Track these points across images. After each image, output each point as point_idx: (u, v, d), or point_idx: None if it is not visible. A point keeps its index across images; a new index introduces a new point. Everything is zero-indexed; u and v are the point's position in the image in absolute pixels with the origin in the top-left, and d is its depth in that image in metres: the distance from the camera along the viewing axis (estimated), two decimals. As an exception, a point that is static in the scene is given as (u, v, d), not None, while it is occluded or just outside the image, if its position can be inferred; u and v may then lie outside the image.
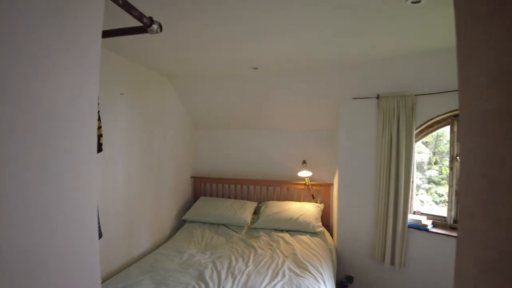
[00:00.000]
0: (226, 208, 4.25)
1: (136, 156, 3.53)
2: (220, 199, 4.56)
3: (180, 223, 4.47)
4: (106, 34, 1.58)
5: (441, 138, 4.01)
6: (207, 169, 5.02)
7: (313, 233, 3.83)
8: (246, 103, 4.27)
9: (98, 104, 2.10)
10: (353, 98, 3.65)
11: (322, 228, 3.88)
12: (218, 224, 4.19)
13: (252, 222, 4.16)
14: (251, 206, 4.31)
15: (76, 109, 0.95)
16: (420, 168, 4.07)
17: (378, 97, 3.47)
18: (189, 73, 3.85)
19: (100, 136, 2.02)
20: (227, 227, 4.12)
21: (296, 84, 3.79)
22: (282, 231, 3.94)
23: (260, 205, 4.42)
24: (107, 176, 3.10)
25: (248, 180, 4.63)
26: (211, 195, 4.85)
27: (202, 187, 4.90)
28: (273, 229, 3.97)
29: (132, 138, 3.45)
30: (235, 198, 4.69)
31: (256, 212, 4.44)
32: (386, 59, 3.10)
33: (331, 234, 4.17)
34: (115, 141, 3.19)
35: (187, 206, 4.70)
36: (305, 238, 3.74)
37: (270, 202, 4.32)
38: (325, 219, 4.27)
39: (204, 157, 5.05)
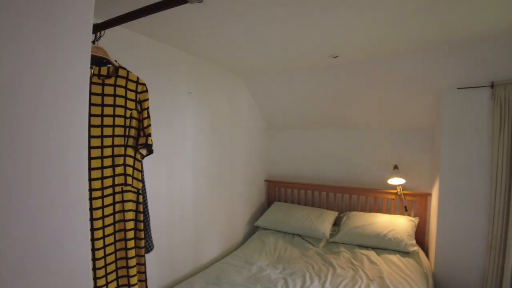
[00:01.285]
0: (302, 217, 3.80)
1: (205, 157, 3.31)
2: (296, 206, 4.13)
3: (252, 229, 4.14)
4: (140, 12, 1.47)
5: None
6: (282, 173, 4.62)
7: (405, 253, 3.20)
8: (325, 98, 3.78)
9: (147, 99, 1.85)
10: (459, 88, 2.95)
11: (417, 248, 3.22)
12: (293, 234, 3.77)
13: (331, 235, 3.65)
14: (330, 216, 3.80)
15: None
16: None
17: (492, 86, 2.75)
18: (261, 68, 3.52)
19: (148, 136, 1.73)
20: (303, 238, 3.67)
21: (385, 73, 3.20)
22: (366, 247, 3.36)
23: (341, 215, 3.89)
24: (175, 178, 2.91)
25: (328, 186, 4.12)
26: (285, 201, 4.44)
27: (277, 191, 4.52)
28: (356, 245, 3.42)
29: (201, 139, 3.24)
30: (312, 205, 4.22)
31: (336, 224, 3.91)
32: (510, 31, 2.39)
33: (427, 255, 3.47)
34: (183, 142, 3.00)
35: (260, 211, 4.36)
36: (395, 258, 3.12)
37: (354, 213, 3.76)
38: (420, 236, 3.58)
39: (279, 160, 4.66)
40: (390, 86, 3.31)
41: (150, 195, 2.56)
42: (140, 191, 1.75)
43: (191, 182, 3.11)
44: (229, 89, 3.68)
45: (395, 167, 3.67)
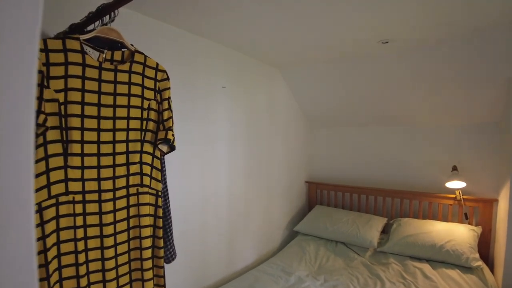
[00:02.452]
0: (346, 223, 3.47)
1: (241, 156, 3.11)
2: (340, 210, 3.80)
3: (291, 234, 3.86)
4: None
5: None
6: (324, 174, 4.30)
7: (466, 268, 2.78)
8: (372, 91, 3.41)
9: (169, 88, 1.64)
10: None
11: (480, 262, 2.78)
12: (336, 242, 3.44)
13: (379, 244, 3.29)
14: (379, 223, 3.43)
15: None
16: None
17: None
18: (301, 60, 3.23)
19: (168, 129, 1.52)
20: (347, 247, 3.34)
21: (443, 60, 2.79)
22: (420, 260, 2.97)
23: (390, 222, 3.50)
24: (208, 178, 2.74)
25: (376, 189, 3.75)
26: (328, 205, 4.12)
27: (318, 194, 4.20)
28: (408, 256, 3.04)
29: (236, 136, 3.03)
30: (358, 210, 3.86)
31: (385, 231, 3.54)
32: None
33: (492, 271, 3.01)
34: (216, 140, 2.81)
35: (300, 215, 4.07)
36: (454, 274, 2.72)
37: (405, 220, 3.37)
38: (483, 248, 3.13)
39: (321, 160, 4.34)
40: (447, 74, 2.90)
41: (181, 197, 2.41)
42: (160, 193, 1.54)
43: (226, 182, 2.91)
44: (266, 83, 3.43)
45: (454, 168, 3.23)
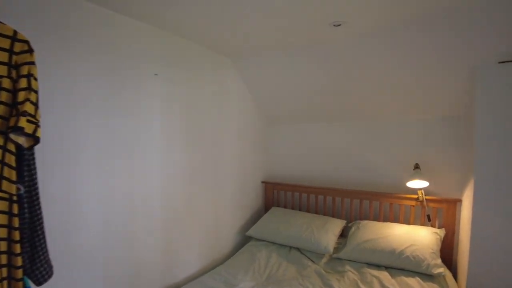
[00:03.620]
0: (301, 226, 3.15)
1: (181, 154, 2.75)
2: (297, 212, 3.48)
3: (245, 240, 3.51)
4: None
5: None
6: (283, 173, 3.97)
7: (427, 276, 2.51)
8: (329, 83, 3.11)
9: (31, 63, 1.17)
10: (500, 62, 2.25)
11: (443, 269, 2.51)
12: (290, 247, 3.12)
13: (336, 249, 2.99)
14: (336, 226, 3.14)
15: None
16: None
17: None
18: (252, 47, 2.90)
19: (21, 115, 1.14)
20: (302, 253, 3.03)
21: (402, 46, 2.52)
22: (379, 267, 2.68)
23: (349, 225, 3.21)
24: (137, 179, 2.37)
25: (334, 189, 3.45)
26: (285, 206, 3.79)
27: (275, 195, 3.87)
28: (365, 263, 2.75)
29: (173, 132, 2.66)
30: (316, 212, 3.55)
31: (344, 235, 3.24)
32: None
33: (455, 277, 2.76)
34: (146, 135, 2.45)
35: (256, 218, 3.73)
36: (414, 282, 2.44)
37: (364, 223, 3.08)
38: (446, 252, 2.88)
39: (280, 158, 4.01)
40: (407, 62, 2.63)
41: (101, 201, 2.05)
42: (15, 198, 1.15)
43: (161, 184, 2.54)
44: (214, 73, 3.07)
45: (416, 166, 2.97)
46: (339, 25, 2.35)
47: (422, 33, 2.35)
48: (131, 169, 2.29)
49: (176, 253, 2.69)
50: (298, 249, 3.08)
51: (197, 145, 2.89)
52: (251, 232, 3.33)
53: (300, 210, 3.66)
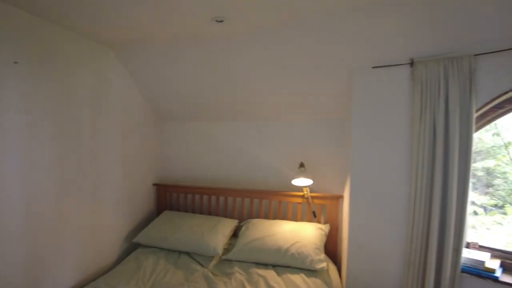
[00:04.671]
0: (191, 229, 3.03)
1: (50, 154, 2.43)
2: (189, 215, 3.35)
3: (132, 247, 3.26)
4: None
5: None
6: (177, 175, 3.81)
7: (311, 271, 2.58)
8: (217, 79, 3.04)
9: None
10: (374, 67, 2.40)
11: (325, 264, 2.61)
12: (179, 252, 2.98)
13: (226, 251, 2.93)
14: (227, 226, 3.08)
15: None
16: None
17: (412, 63, 2.22)
18: (136, 39, 2.69)
19: None
20: (191, 257, 2.91)
21: (287, 47, 2.55)
22: (266, 266, 2.69)
23: (241, 224, 3.18)
24: None
25: (227, 189, 3.40)
26: (178, 209, 3.63)
27: (168, 198, 3.69)
28: (253, 263, 2.73)
29: (37, 128, 2.32)
30: (209, 213, 3.46)
31: (237, 234, 3.19)
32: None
33: (339, 270, 2.90)
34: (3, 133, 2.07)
35: (147, 223, 3.48)
36: (298, 279, 2.50)
37: (254, 221, 3.08)
38: (332, 245, 3.02)
39: (173, 159, 3.83)
40: (292, 63, 2.67)
41: None
42: None
43: (20, 188, 2.19)
44: (92, 64, 2.77)
45: (301, 165, 3.05)
46: (222, 21, 2.28)
47: (306, 34, 2.39)
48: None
49: (43, 267, 2.36)
50: (188, 253, 2.95)
51: (71, 146, 2.58)
52: (138, 238, 3.10)
53: (194, 212, 3.53)
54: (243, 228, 3.03)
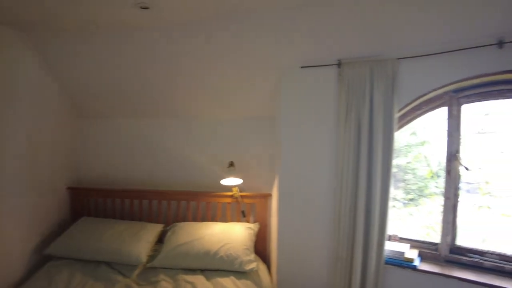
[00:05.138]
0: (112, 237, 2.79)
1: None
2: (110, 221, 3.07)
3: (45, 260, 2.88)
4: None
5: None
6: (95, 177, 3.48)
7: (241, 273, 2.53)
8: (144, 73, 2.84)
9: None
10: (302, 67, 2.40)
11: (255, 264, 2.57)
12: (98, 263, 2.71)
13: (151, 258, 2.73)
14: (152, 231, 2.90)
15: None
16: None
17: (339, 64, 2.26)
18: (53, 24, 2.38)
19: None
20: (111, 267, 2.66)
21: (216, 41, 2.45)
22: (194, 271, 2.57)
23: (167, 228, 3.00)
24: None
25: (151, 191, 3.20)
26: (98, 216, 3.30)
27: (85, 203, 3.35)
28: (181, 269, 2.59)
29: None
30: (132, 219, 3.20)
31: (163, 240, 2.99)
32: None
33: (269, 269, 2.89)
34: None
35: (60, 232, 3.11)
36: (228, 282, 2.43)
37: (181, 225, 2.94)
38: (262, 245, 3.00)
39: (91, 159, 3.50)
40: (221, 60, 2.58)
41: None
42: None
43: None
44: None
45: (231, 164, 2.97)
46: (147, 8, 2.10)
47: (233, 30, 2.32)
48: None
49: None
50: (108, 263, 2.70)
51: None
52: (50, 250, 2.76)
53: (115, 218, 3.23)
54: (169, 233, 2.87)
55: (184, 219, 3.11)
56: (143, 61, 2.72)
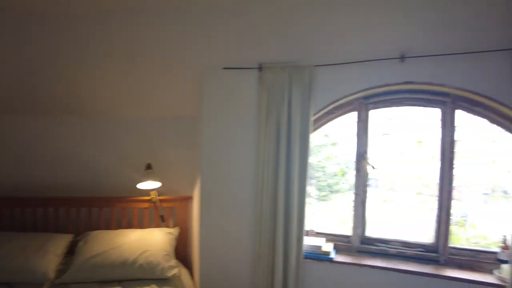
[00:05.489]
0: (10, 253, 2.46)
1: None
2: (8, 234, 2.71)
3: None
4: None
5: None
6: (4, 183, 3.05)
7: (163, 280, 2.45)
8: (45, 65, 2.55)
9: None
10: (224, 68, 2.40)
11: (177, 270, 2.51)
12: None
13: (60, 272, 2.48)
14: (59, 243, 2.65)
15: None
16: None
17: (260, 68, 2.32)
18: None
19: None
20: (13, 288, 2.36)
21: (133, 34, 2.33)
22: (111, 283, 2.41)
23: (77, 239, 2.76)
24: None
25: (57, 199, 2.92)
26: (2, 229, 2.88)
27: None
28: (96, 282, 2.41)
29: None
30: (35, 230, 2.87)
31: (73, 252, 2.73)
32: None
33: (191, 272, 2.84)
34: None
35: None
36: (150, 291, 2.33)
37: (94, 234, 2.73)
38: (182, 249, 2.94)
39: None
40: (138, 55, 2.47)
41: None
42: None
43: None
44: None
45: (148, 166, 2.85)
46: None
47: (153, 23, 2.23)
48: None
49: None
50: (8, 284, 2.38)
51: None
52: None
53: (14, 231, 2.85)
54: (80, 243, 2.65)
55: (97, 227, 2.89)
56: (46, 52, 2.45)
